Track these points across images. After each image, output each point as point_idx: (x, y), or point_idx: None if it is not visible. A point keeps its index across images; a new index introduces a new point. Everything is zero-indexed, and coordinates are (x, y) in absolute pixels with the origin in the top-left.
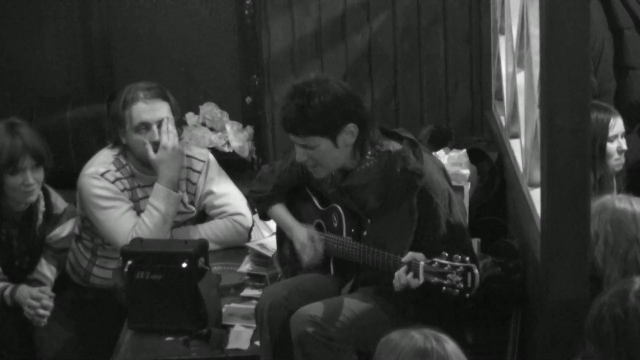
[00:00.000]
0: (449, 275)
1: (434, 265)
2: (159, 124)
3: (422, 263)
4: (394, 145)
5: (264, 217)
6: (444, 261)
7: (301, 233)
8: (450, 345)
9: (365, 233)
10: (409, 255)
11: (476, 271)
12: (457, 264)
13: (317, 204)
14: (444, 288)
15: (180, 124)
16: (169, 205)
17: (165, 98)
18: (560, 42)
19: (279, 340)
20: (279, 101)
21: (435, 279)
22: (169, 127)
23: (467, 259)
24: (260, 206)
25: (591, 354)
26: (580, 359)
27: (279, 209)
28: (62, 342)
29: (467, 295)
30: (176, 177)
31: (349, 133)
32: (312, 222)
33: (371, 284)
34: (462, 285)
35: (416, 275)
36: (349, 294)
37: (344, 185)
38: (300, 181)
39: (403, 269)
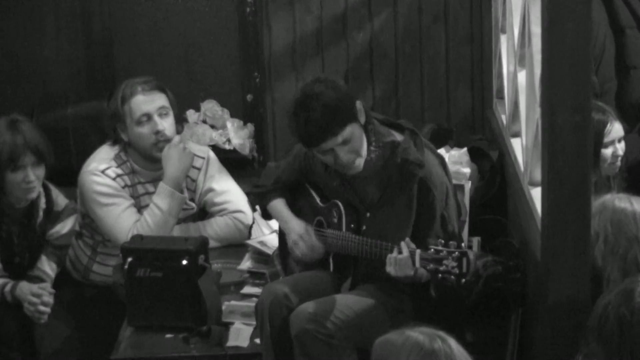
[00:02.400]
0: (445, 262)
1: (429, 252)
2: (160, 113)
3: (418, 250)
4: (397, 136)
5: (267, 214)
6: (439, 248)
7: (295, 227)
8: (453, 343)
9: (364, 227)
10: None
11: (471, 256)
12: (452, 249)
13: (317, 201)
14: (440, 275)
15: (180, 120)
16: (172, 205)
17: (162, 90)
18: (561, 41)
19: (280, 337)
20: (279, 99)
21: (431, 266)
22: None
23: (463, 244)
24: (261, 202)
25: (594, 352)
26: (582, 357)
27: (278, 204)
28: (62, 339)
29: (463, 280)
30: (182, 178)
31: (361, 110)
32: (313, 219)
33: (370, 282)
34: (457, 271)
35: (413, 263)
36: (349, 292)
37: (349, 176)
38: (303, 174)
39: (395, 253)
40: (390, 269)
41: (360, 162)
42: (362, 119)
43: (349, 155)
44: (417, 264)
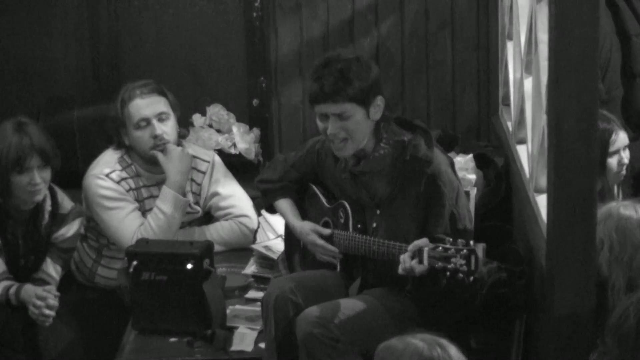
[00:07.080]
0: (453, 259)
1: (437, 250)
2: (159, 118)
3: (425, 248)
4: (408, 135)
5: (270, 209)
6: (447, 245)
7: (304, 228)
8: (453, 351)
9: (374, 225)
10: (414, 245)
11: (480, 254)
12: (460, 247)
13: (324, 202)
14: (448, 273)
15: (186, 124)
16: (176, 209)
17: (161, 93)
18: (568, 48)
19: (284, 338)
20: (285, 103)
21: (440, 264)
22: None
23: (471, 242)
24: (266, 199)
25: (609, 350)
26: (597, 354)
27: (283, 204)
28: (66, 342)
29: (471, 278)
30: (184, 181)
31: (377, 106)
32: (320, 220)
33: (380, 283)
34: (465, 269)
35: (421, 261)
36: (356, 296)
37: (357, 171)
38: (314, 170)
39: (408, 254)
40: (402, 270)
41: (348, 147)
42: (376, 115)
43: (338, 130)
44: (425, 261)
